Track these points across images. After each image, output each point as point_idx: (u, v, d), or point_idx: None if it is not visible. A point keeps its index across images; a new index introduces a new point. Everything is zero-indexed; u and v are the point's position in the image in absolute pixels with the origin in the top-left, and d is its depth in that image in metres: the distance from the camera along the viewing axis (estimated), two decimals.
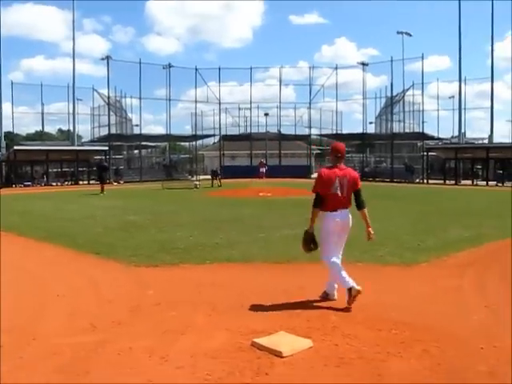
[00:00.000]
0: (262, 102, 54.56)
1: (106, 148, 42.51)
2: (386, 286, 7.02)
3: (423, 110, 47.73)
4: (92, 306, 6.13)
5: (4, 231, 12.17)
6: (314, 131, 54.55)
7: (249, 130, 54.12)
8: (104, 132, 47.96)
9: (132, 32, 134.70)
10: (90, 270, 8.14)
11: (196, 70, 50.06)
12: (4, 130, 44.84)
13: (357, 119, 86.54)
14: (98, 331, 5.14)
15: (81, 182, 40.34)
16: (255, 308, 5.88)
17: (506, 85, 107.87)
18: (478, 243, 10.31)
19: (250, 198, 23.88)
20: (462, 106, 44.83)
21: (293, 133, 54.69)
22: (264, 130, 53.50)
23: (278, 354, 4.37)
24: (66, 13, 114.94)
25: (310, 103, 52.88)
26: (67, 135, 58.84)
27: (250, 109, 52.73)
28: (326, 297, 6.24)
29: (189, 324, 5.29)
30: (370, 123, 53.03)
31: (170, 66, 47.66)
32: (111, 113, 46.13)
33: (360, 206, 6.14)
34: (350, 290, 5.79)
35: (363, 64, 50.84)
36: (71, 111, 48.33)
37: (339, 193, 5.97)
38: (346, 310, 5.76)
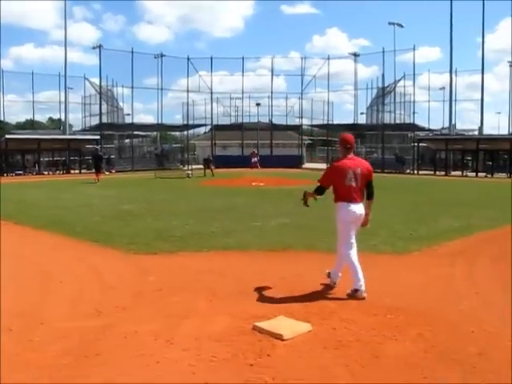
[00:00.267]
0: (253, 91, 54.89)
1: (98, 137, 42.40)
2: (380, 273, 7.20)
3: (414, 101, 48.04)
4: (95, 291, 6.29)
5: (2, 220, 12.24)
6: (305, 121, 54.76)
7: (240, 120, 54.21)
8: (95, 121, 47.82)
9: (123, 20, 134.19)
10: (90, 258, 8.29)
11: (188, 59, 49.98)
12: None
13: (347, 109, 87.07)
14: (103, 316, 5.31)
15: (72, 171, 40.24)
16: (254, 294, 6.06)
17: (495, 77, 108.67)
18: (468, 233, 10.57)
19: (243, 188, 24.05)
20: (453, 98, 45.05)
21: (284, 123, 54.83)
22: (255, 120, 53.55)
23: (279, 337, 4.56)
24: (56, 0, 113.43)
25: (301, 93, 52.99)
26: (58, 124, 58.64)
27: (242, 99, 52.78)
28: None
29: (191, 309, 5.47)
30: (361, 114, 53.43)
31: (162, 55, 47.54)
32: (102, 102, 46.03)
33: (370, 196, 6.18)
34: (356, 291, 5.89)
35: (355, 55, 51.02)
36: (62, 100, 48.35)
37: (353, 184, 5.96)
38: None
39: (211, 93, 51.71)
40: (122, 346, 4.46)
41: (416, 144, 44.44)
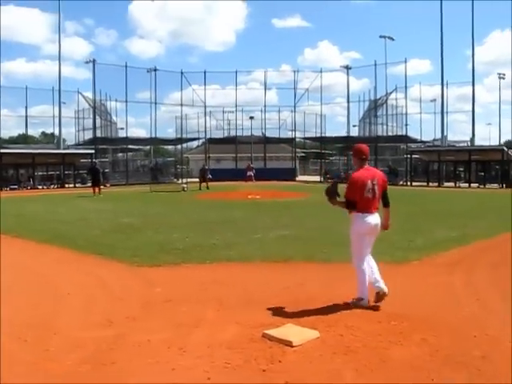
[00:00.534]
0: (245, 105, 54.99)
1: (93, 151, 42.49)
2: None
3: (407, 113, 48.51)
4: (104, 303, 6.41)
5: (3, 234, 12.32)
6: (298, 134, 55.03)
7: (233, 133, 54.46)
8: (88, 135, 48.01)
9: (115, 35, 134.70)
10: (96, 270, 8.40)
11: (182, 73, 50.32)
12: None
13: (339, 122, 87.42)
14: (115, 326, 5.43)
15: (67, 186, 40.25)
16: (260, 303, 6.19)
17: (485, 88, 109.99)
18: (465, 242, 10.78)
19: (239, 201, 24.21)
20: (444, 110, 45.52)
21: (277, 136, 55.08)
22: (248, 133, 53.84)
23: (289, 344, 4.71)
24: (48, 15, 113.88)
25: (294, 107, 53.32)
26: (51, 138, 58.60)
27: (236, 112, 53.08)
28: (359, 303, 6.02)
29: (200, 318, 5.60)
30: (354, 126, 53.75)
31: (155, 69, 47.83)
32: (96, 116, 46.19)
33: (386, 204, 6.33)
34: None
35: (347, 68, 51.46)
36: (55, 114, 48.38)
37: (370, 195, 5.99)
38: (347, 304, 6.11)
39: (205, 106, 52.09)
40: (137, 355, 4.58)
41: (409, 156, 44.85)
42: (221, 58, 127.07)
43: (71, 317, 5.83)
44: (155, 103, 49.28)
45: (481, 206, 21.90)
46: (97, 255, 9.61)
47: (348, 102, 51.80)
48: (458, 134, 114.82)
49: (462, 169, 44.20)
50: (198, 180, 36.67)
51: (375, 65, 46.68)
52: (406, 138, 47.21)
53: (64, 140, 49.10)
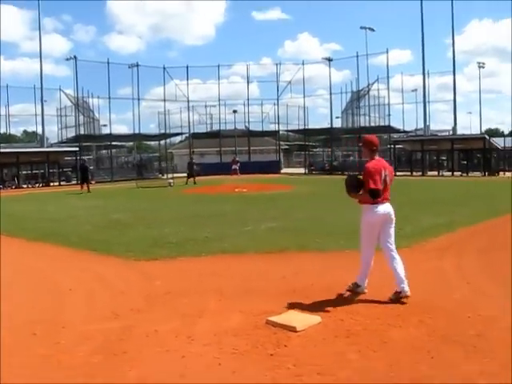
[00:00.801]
0: (227, 99, 54.99)
1: (77, 149, 42.29)
2: (373, 269, 7.56)
3: (389, 104, 48.94)
4: (106, 297, 6.54)
5: None
6: (281, 127, 55.18)
7: (215, 128, 54.54)
8: (71, 133, 47.79)
9: (93, 31, 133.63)
10: (93, 266, 8.50)
11: (164, 68, 50.16)
12: None
13: (321, 114, 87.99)
14: (121, 318, 5.57)
15: (52, 184, 40.03)
16: (259, 292, 6.39)
17: (465, 77, 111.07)
18: (452, 229, 11.07)
19: (227, 194, 24.36)
20: (426, 99, 45.99)
21: (260, 129, 55.26)
22: (231, 127, 54.02)
23: (292, 329, 4.91)
24: (25, 12, 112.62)
25: (277, 99, 53.42)
26: (33, 137, 58.10)
27: (219, 106, 53.08)
28: (355, 288, 6.21)
29: (203, 309, 5.77)
30: (337, 118, 54.09)
31: (137, 64, 47.60)
32: (79, 113, 45.94)
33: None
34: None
35: (328, 59, 51.62)
36: (36, 112, 48.09)
37: (382, 185, 6.02)
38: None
39: (188, 101, 51.95)
40: (146, 345, 4.73)
41: (392, 146, 45.28)
42: (201, 52, 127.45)
43: (76, 311, 5.95)
44: (138, 99, 48.98)
45: (465, 193, 22.28)
46: (91, 251, 9.70)
47: (330, 93, 51.93)
48: (439, 123, 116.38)
49: (444, 158, 44.81)
50: (183, 175, 36.67)
51: (357, 56, 46.90)
52: (388, 129, 47.60)
53: (47, 138, 48.79)
